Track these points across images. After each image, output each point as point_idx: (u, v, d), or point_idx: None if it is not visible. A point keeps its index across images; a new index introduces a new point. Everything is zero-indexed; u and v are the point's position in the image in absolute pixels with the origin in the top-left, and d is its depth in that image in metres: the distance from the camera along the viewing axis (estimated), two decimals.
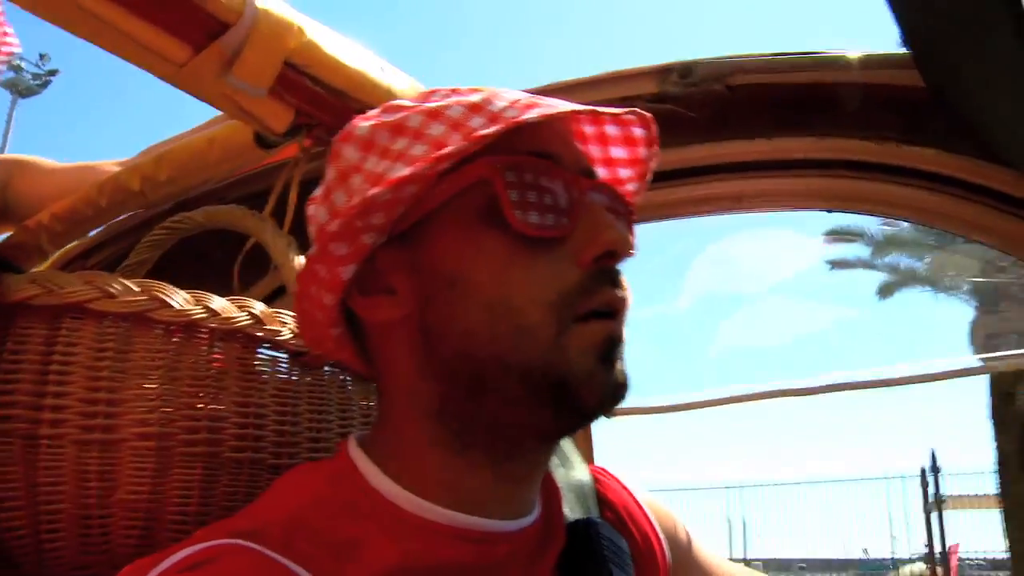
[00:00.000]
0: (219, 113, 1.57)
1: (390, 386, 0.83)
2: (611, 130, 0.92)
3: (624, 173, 0.95)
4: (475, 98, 0.79)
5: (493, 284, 0.74)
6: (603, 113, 0.81)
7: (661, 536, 1.03)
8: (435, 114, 0.79)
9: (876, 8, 1.20)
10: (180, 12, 1.15)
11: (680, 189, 1.62)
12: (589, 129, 0.91)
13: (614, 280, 0.77)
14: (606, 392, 0.75)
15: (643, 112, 0.86)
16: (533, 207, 0.75)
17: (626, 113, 0.85)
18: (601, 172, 0.91)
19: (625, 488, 1.07)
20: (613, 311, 0.77)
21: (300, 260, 1.11)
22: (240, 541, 0.69)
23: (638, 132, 0.91)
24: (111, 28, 1.12)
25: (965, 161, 1.42)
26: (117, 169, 1.78)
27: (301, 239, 1.18)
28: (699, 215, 1.68)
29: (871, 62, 1.44)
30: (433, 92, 0.84)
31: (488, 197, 0.76)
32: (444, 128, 0.77)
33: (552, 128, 0.82)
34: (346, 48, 1.34)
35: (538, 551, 0.83)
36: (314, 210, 0.86)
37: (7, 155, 1.85)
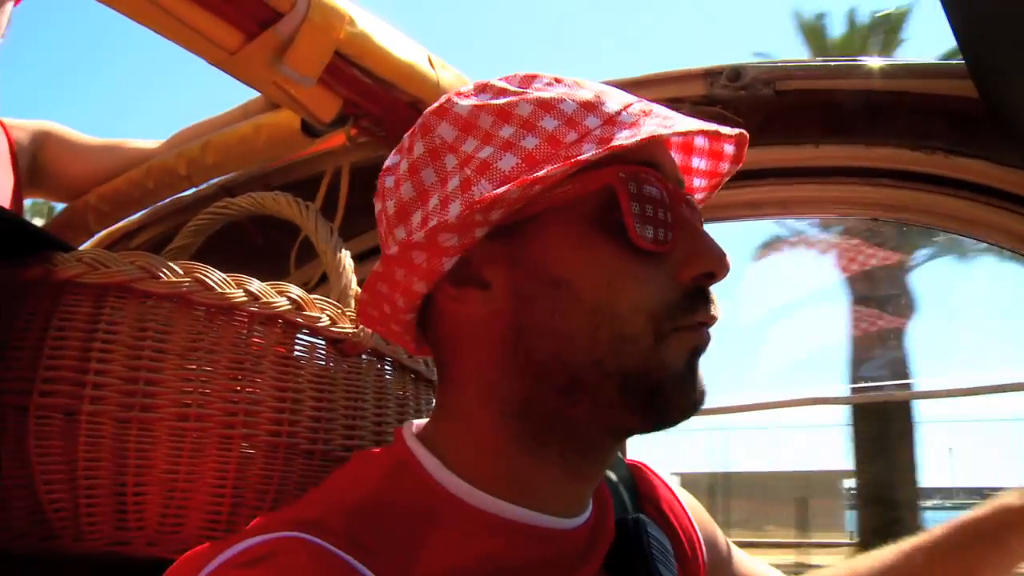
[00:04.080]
0: (256, 96, 1.59)
1: (463, 378, 0.81)
2: (700, 141, 0.90)
3: (698, 183, 0.94)
4: (586, 95, 0.78)
5: (600, 291, 0.74)
6: (722, 134, 0.80)
7: (700, 536, 1.03)
8: (547, 106, 0.76)
9: (933, 17, 1.18)
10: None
11: (726, 193, 1.61)
12: (677, 137, 0.90)
13: (709, 298, 0.78)
14: (695, 397, 0.77)
15: (745, 133, 0.85)
16: (649, 221, 0.75)
17: (736, 134, 0.84)
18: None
19: (665, 484, 1.06)
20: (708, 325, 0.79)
21: (344, 253, 1.11)
22: (301, 534, 0.68)
23: (728, 149, 0.90)
24: (165, 13, 1.14)
25: (1016, 174, 1.40)
26: (143, 148, 1.81)
27: (351, 225, 1.19)
28: (745, 219, 1.68)
29: (923, 71, 1.43)
30: (534, 78, 0.81)
31: (606, 204, 0.75)
32: (558, 124, 0.75)
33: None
34: (395, 39, 1.35)
35: (587, 548, 0.82)
36: (392, 183, 0.82)
37: (35, 123, 1.88)
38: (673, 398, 0.76)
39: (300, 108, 1.36)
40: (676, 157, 0.90)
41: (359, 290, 1.04)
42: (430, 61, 1.41)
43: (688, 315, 0.76)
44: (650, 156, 0.78)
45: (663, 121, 0.75)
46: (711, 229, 0.82)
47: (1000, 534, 1.14)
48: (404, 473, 0.78)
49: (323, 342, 1.01)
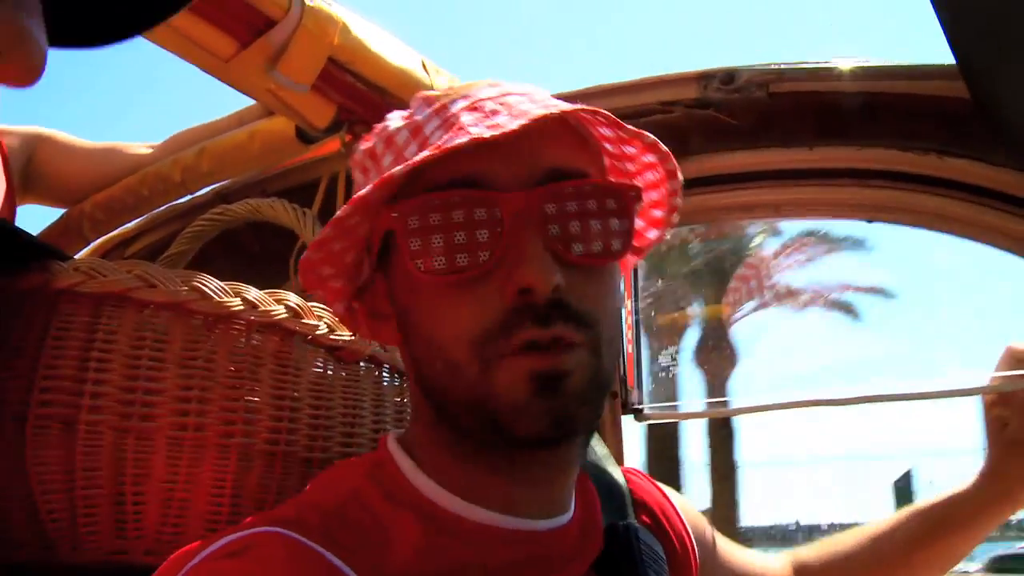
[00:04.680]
0: (251, 103, 1.59)
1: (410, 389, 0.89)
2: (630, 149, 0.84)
3: (630, 151, 0.85)
4: (423, 115, 0.79)
5: (426, 322, 0.76)
6: (524, 128, 0.70)
7: (693, 538, 1.04)
8: (390, 141, 0.80)
9: (924, 19, 1.19)
10: (228, 7, 1.16)
11: (718, 196, 1.62)
12: (610, 132, 0.83)
13: (539, 316, 0.71)
14: (541, 425, 0.71)
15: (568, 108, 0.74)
16: (442, 250, 0.72)
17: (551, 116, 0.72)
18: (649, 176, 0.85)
19: (659, 489, 1.07)
20: (550, 344, 0.71)
21: None
22: (280, 529, 0.70)
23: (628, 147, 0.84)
24: None
25: (1007, 174, 1.41)
26: (140, 152, 1.81)
27: None
28: (737, 222, 1.68)
29: (915, 72, 1.43)
30: (430, 100, 0.80)
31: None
32: (391, 159, 0.79)
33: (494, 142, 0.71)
34: (389, 45, 1.35)
35: (574, 553, 0.83)
36: None
37: (27, 128, 1.87)
38: (514, 425, 0.71)
39: (294, 115, 1.36)
40: (608, 132, 0.83)
41: None
42: (424, 66, 1.41)
43: (510, 336, 0.71)
44: (469, 169, 0.73)
45: (450, 140, 0.71)
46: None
47: (976, 518, 1.21)
48: (381, 472, 0.80)
49: (321, 350, 1.01)
